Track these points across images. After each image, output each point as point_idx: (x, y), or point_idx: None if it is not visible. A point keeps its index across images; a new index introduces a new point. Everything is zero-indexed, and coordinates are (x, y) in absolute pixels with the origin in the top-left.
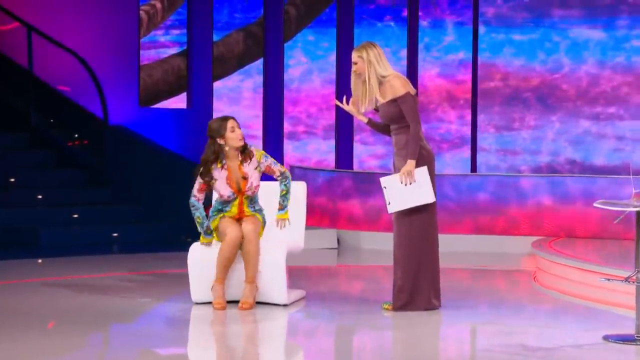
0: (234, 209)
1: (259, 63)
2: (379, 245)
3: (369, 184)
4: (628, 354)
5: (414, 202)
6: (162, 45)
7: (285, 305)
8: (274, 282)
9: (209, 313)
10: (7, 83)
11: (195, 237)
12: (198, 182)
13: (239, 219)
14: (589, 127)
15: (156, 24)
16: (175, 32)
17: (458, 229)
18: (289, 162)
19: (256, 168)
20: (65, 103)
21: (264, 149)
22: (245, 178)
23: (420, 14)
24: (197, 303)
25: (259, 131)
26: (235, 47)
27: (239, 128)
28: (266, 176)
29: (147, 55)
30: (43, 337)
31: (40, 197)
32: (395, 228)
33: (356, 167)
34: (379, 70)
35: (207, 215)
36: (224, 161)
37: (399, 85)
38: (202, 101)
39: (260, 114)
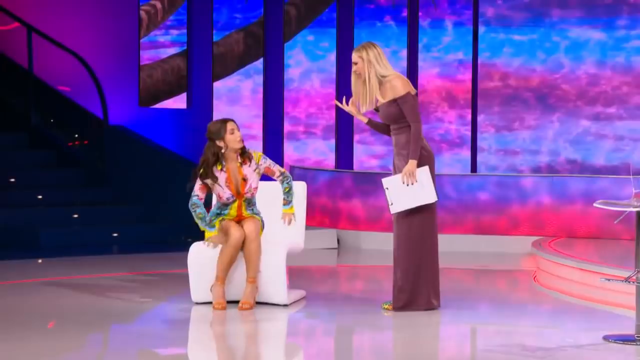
0: (232, 212)
1: (259, 63)
2: (379, 245)
3: (369, 184)
4: (628, 354)
5: (416, 202)
6: (162, 46)
7: (285, 306)
8: (274, 282)
9: (209, 313)
10: (7, 83)
11: (195, 237)
12: (198, 183)
13: (238, 222)
14: (589, 127)
15: (156, 24)
16: (175, 32)
17: (458, 229)
18: (289, 163)
19: (255, 170)
20: (65, 103)
21: (263, 149)
22: (244, 180)
23: (420, 14)
24: (197, 303)
25: (259, 131)
26: (235, 47)
27: (239, 130)
28: (265, 177)
29: (147, 56)
30: (43, 337)
31: (40, 197)
32: (396, 228)
33: (356, 167)
34: (379, 70)
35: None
36: (223, 163)
37: (400, 86)
38: (202, 101)
39: (260, 114)
